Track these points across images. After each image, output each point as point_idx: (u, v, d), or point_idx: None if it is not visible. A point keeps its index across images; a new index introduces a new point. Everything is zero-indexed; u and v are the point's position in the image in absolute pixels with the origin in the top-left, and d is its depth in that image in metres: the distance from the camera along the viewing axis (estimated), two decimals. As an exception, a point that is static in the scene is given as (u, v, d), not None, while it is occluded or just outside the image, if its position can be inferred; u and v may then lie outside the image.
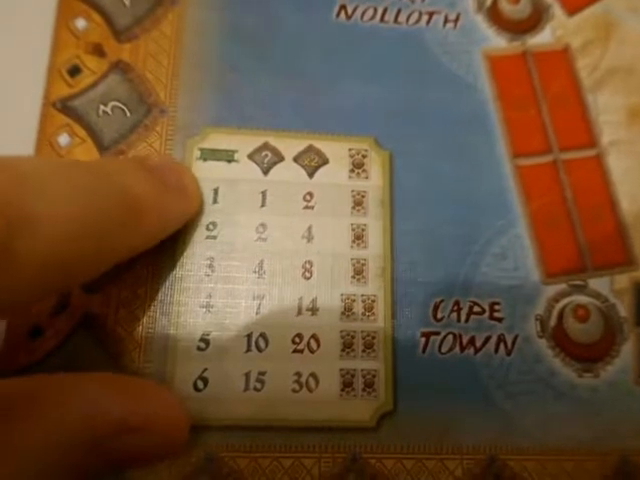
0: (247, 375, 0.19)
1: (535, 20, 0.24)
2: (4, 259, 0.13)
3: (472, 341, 0.20)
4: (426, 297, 0.20)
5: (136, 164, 0.18)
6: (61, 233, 0.14)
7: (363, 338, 0.20)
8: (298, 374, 0.19)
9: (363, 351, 0.20)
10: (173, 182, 0.19)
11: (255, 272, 0.20)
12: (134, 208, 0.16)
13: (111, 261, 0.17)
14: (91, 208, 0.15)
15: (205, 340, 0.19)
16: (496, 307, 0.20)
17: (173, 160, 0.20)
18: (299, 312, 0.20)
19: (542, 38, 0.24)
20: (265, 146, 0.21)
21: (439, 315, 0.20)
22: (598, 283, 0.21)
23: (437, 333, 0.20)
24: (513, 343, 0.20)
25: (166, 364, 0.19)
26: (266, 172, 0.21)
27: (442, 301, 0.20)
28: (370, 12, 0.23)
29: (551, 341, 0.20)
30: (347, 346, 0.20)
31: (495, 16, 0.24)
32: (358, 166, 0.21)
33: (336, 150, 0.21)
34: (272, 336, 0.19)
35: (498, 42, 0.24)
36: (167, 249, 0.20)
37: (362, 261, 0.20)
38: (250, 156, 0.21)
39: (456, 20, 0.24)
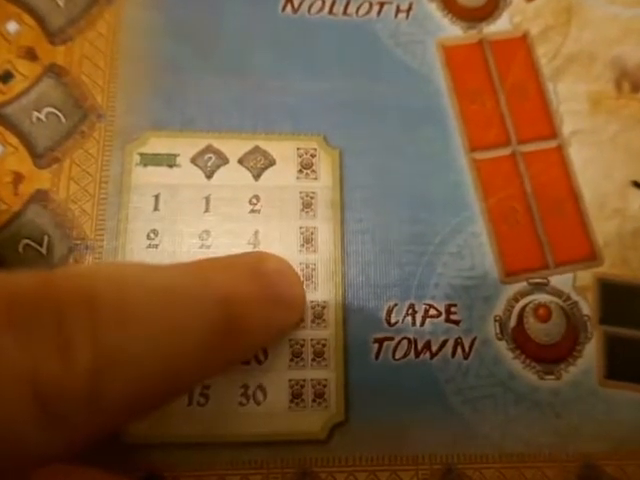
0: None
1: (492, 7, 0.23)
2: (88, 404, 0.12)
3: (428, 345, 0.19)
4: (379, 301, 0.19)
5: (249, 270, 0.17)
6: (147, 372, 0.13)
7: (313, 346, 0.19)
8: (245, 387, 0.18)
9: (313, 360, 0.19)
10: (283, 292, 0.17)
11: (199, 281, 0.19)
12: (232, 329, 0.15)
13: (202, 379, 0.17)
14: (185, 334, 0.14)
15: (146, 354, 0.18)
16: (453, 309, 0.20)
17: (289, 266, 0.19)
18: (246, 321, 0.19)
19: (499, 26, 0.23)
20: (208, 149, 0.20)
21: (393, 319, 0.19)
22: (560, 280, 0.20)
23: (391, 338, 0.19)
24: (471, 346, 0.19)
25: (105, 381, 0.18)
26: (209, 176, 0.20)
27: (396, 305, 0.19)
28: (318, 4, 0.22)
29: (511, 343, 0.20)
30: (296, 355, 0.19)
31: (450, 4, 0.23)
32: (307, 166, 0.20)
33: (283, 150, 0.21)
34: (217, 348, 0.18)
35: (453, 31, 0.23)
36: (107, 259, 0.19)
37: (311, 266, 0.19)
38: (193, 160, 0.20)
39: (408, 10, 0.23)
